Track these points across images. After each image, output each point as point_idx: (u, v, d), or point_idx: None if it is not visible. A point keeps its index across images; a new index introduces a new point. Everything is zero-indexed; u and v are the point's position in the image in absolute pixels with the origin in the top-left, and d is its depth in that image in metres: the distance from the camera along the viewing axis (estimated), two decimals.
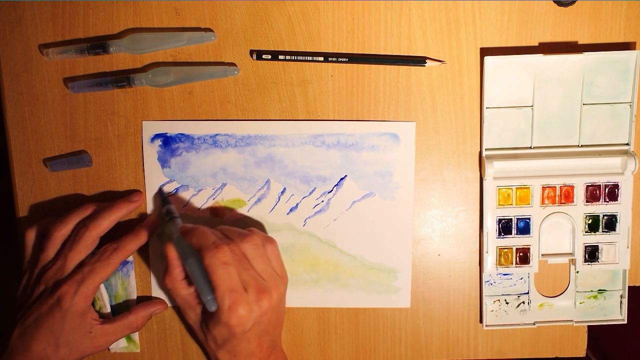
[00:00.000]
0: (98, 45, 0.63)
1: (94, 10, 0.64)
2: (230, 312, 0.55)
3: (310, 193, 0.66)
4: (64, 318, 0.59)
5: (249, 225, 0.66)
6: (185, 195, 0.66)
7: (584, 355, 0.69)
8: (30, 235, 0.64)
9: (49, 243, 0.62)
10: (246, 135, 0.65)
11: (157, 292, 0.68)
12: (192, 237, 0.58)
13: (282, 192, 0.66)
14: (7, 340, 0.60)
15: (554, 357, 0.69)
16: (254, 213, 0.66)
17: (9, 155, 0.67)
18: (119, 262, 0.62)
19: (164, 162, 0.66)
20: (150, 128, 0.66)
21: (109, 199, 0.66)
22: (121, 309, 0.67)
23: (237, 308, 0.55)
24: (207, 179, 0.66)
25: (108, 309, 0.66)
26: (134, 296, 0.68)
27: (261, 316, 0.57)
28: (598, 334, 0.82)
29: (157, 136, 0.65)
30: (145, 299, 0.68)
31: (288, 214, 0.66)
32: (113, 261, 0.61)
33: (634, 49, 0.64)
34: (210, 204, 0.66)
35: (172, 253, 0.59)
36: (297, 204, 0.66)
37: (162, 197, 0.66)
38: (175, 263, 0.59)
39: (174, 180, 0.66)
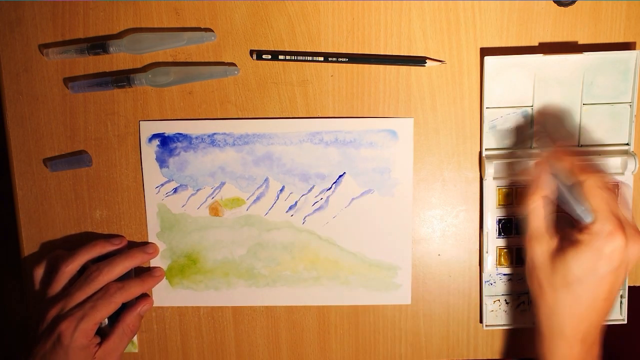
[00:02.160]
0: (98, 45, 0.63)
1: (94, 10, 0.64)
2: (608, 237, 0.51)
3: (309, 191, 0.66)
4: (67, 354, 0.59)
5: (249, 224, 0.66)
6: (184, 194, 0.66)
7: None
8: (39, 272, 0.65)
9: (56, 278, 0.62)
10: (244, 134, 0.65)
11: (157, 293, 0.68)
12: (560, 161, 0.56)
13: (281, 190, 0.66)
14: None
15: None
16: (253, 211, 0.66)
17: (9, 155, 0.67)
18: (120, 302, 0.62)
19: (162, 162, 0.66)
20: (148, 128, 0.66)
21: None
22: (118, 312, 0.67)
23: (616, 235, 0.51)
24: (205, 178, 0.66)
25: (105, 322, 0.66)
26: None
27: (628, 263, 0.53)
28: None
29: (154, 136, 0.66)
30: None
31: (287, 211, 0.66)
32: (115, 300, 0.61)
33: (634, 49, 0.64)
34: (209, 203, 0.66)
35: (544, 168, 0.57)
36: (296, 202, 0.66)
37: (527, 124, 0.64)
38: (545, 179, 0.56)
39: (173, 180, 0.66)
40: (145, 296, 0.68)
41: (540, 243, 0.56)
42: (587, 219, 0.53)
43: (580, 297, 0.53)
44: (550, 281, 0.54)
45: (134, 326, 0.65)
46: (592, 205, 0.53)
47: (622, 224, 0.52)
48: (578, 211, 0.54)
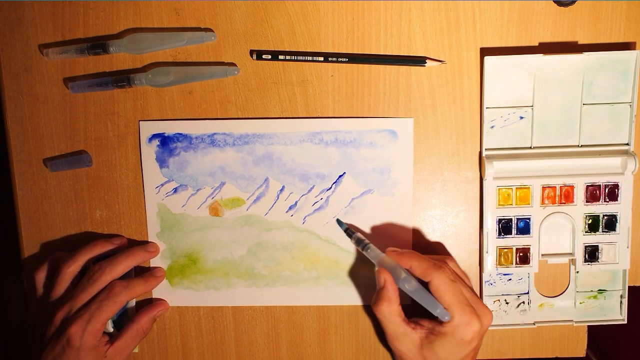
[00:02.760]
0: (98, 45, 0.63)
1: (94, 10, 0.64)
2: (467, 327, 0.56)
3: (309, 191, 0.66)
4: (78, 356, 0.59)
5: (249, 224, 0.66)
6: (184, 194, 0.66)
7: (584, 355, 0.68)
8: (41, 276, 0.65)
9: (58, 280, 0.62)
10: (244, 134, 0.65)
11: (157, 293, 0.68)
12: (407, 260, 0.59)
13: (281, 190, 0.66)
14: None
15: (554, 357, 0.68)
16: (253, 211, 0.66)
17: (9, 155, 0.67)
18: (125, 301, 0.62)
19: (162, 162, 0.66)
20: (148, 128, 0.66)
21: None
22: (123, 317, 0.67)
23: (473, 323, 0.56)
24: (205, 178, 0.66)
25: (110, 329, 0.66)
26: (134, 300, 0.68)
27: (485, 330, 0.58)
28: (598, 334, 0.82)
29: (154, 136, 0.66)
30: (145, 302, 0.68)
31: (287, 211, 0.66)
32: (120, 299, 0.61)
33: (634, 49, 0.64)
34: (209, 203, 0.66)
35: (389, 277, 0.59)
36: (296, 202, 0.66)
37: (343, 228, 0.66)
38: (392, 287, 0.58)
39: (173, 180, 0.66)
40: (161, 302, 0.68)
41: (404, 341, 0.58)
42: (444, 318, 0.56)
43: None
44: None
45: (147, 328, 0.66)
46: (445, 302, 0.56)
47: (474, 309, 0.57)
48: (435, 312, 0.56)
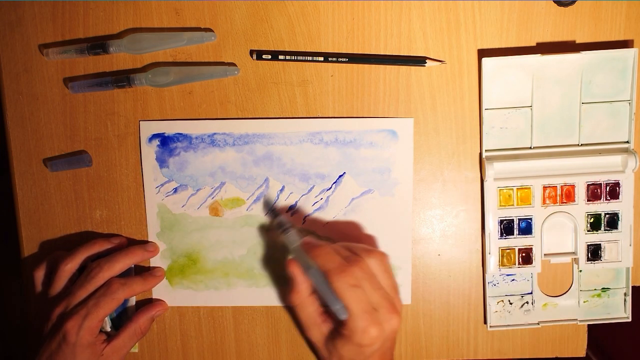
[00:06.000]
0: (98, 45, 0.63)
1: (94, 10, 0.64)
2: (363, 333, 0.54)
3: (309, 191, 0.66)
4: (74, 353, 0.59)
5: (249, 224, 0.66)
6: (184, 194, 0.66)
7: (584, 355, 0.68)
8: (39, 274, 0.65)
9: (56, 277, 0.62)
10: (244, 134, 0.65)
11: (157, 293, 0.68)
12: (316, 258, 0.57)
13: (281, 190, 0.66)
14: None
15: (554, 357, 0.68)
16: (254, 211, 0.66)
17: (9, 155, 0.67)
18: (122, 299, 0.62)
19: (162, 162, 0.66)
20: (148, 128, 0.66)
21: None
22: (122, 316, 0.67)
23: (370, 330, 0.54)
24: (205, 178, 0.66)
25: (108, 328, 0.66)
26: (134, 299, 0.68)
27: (390, 334, 0.56)
28: (598, 334, 0.82)
29: (154, 136, 0.66)
30: (144, 302, 0.68)
31: (287, 212, 0.66)
32: (118, 297, 0.61)
33: (632, 46, 0.64)
34: (209, 203, 0.66)
35: (296, 269, 0.58)
36: (296, 202, 0.66)
37: (269, 209, 0.66)
38: (301, 279, 0.58)
39: (173, 180, 0.66)
40: (160, 302, 0.68)
41: (315, 329, 0.58)
42: (342, 316, 0.55)
43: None
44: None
45: (145, 328, 0.66)
46: (344, 304, 0.55)
47: (373, 315, 0.55)
48: (333, 309, 0.55)
